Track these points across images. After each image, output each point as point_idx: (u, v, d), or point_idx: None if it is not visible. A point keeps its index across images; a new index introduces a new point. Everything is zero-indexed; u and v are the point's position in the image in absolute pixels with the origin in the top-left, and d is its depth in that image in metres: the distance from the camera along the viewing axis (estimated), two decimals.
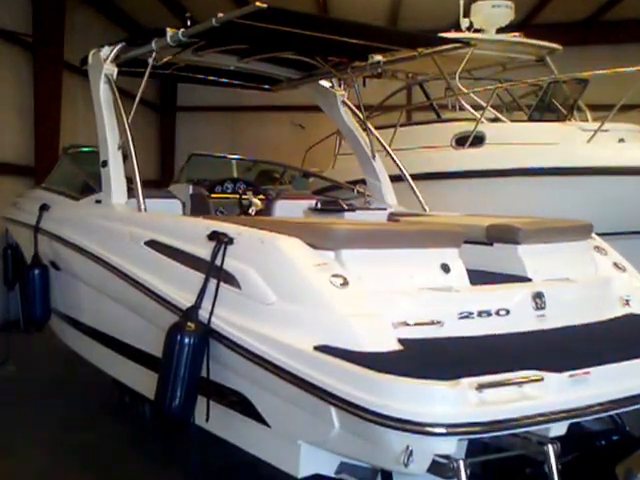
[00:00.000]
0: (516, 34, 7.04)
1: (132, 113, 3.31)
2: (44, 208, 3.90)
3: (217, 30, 2.93)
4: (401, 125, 6.79)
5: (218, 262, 2.42)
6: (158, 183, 10.43)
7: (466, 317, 2.26)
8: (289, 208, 3.94)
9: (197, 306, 2.43)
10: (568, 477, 2.04)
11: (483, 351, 2.13)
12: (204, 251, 2.49)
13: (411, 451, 1.84)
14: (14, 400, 4.14)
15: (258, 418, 2.37)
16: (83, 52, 3.73)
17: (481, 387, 1.85)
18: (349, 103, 4.29)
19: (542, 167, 5.57)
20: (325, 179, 5.83)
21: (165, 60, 3.62)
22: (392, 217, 3.79)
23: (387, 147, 4.30)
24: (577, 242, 2.92)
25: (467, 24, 7.12)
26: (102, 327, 3.39)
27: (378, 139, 4.27)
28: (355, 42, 3.38)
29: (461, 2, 7.15)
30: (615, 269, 2.92)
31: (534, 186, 5.60)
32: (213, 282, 2.41)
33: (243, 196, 3.84)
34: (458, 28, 7.12)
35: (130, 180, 3.27)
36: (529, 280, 2.67)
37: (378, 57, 3.70)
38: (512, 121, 6.48)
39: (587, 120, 6.57)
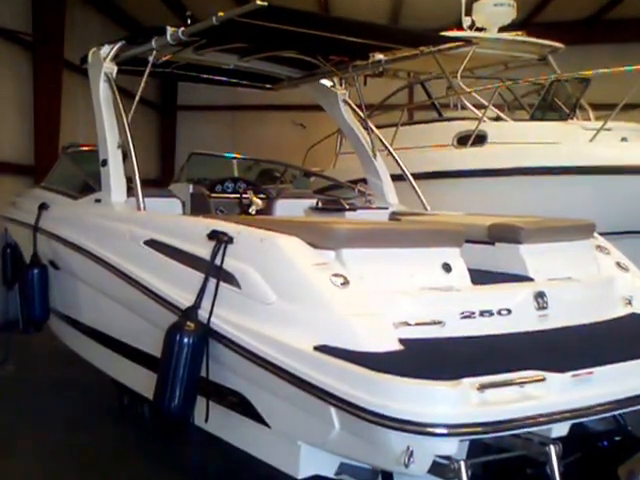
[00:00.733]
0: (518, 33, 7.02)
1: (132, 112, 3.30)
2: (43, 207, 3.89)
3: (217, 29, 2.92)
4: (402, 124, 6.78)
5: (218, 261, 2.41)
6: (158, 182, 10.44)
7: (468, 317, 2.25)
8: (290, 207, 3.93)
9: (196, 306, 2.42)
10: (570, 478, 2.03)
11: (485, 351, 2.12)
12: (204, 250, 2.48)
13: (412, 452, 1.83)
14: (13, 400, 4.13)
15: (258, 418, 2.35)
16: (83, 51, 3.73)
17: (483, 387, 1.83)
18: (350, 102, 4.28)
19: (544, 166, 5.55)
20: (326, 178, 5.82)
21: (165, 59, 3.62)
22: (393, 216, 3.78)
23: (388, 146, 4.29)
24: (579, 241, 2.90)
25: (469, 23, 7.10)
26: (101, 327, 3.38)
27: (379, 138, 4.25)
28: (356, 41, 3.36)
29: (463, 0, 7.13)
30: (617, 269, 2.91)
31: (536, 185, 5.59)
32: (213, 282, 2.40)
33: (243, 195, 3.83)
34: (460, 27, 7.11)
35: (130, 179, 3.26)
36: (531, 280, 2.65)
37: (379, 56, 3.68)
38: (514, 120, 6.46)
39: (589, 119, 6.55)
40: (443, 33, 5.12)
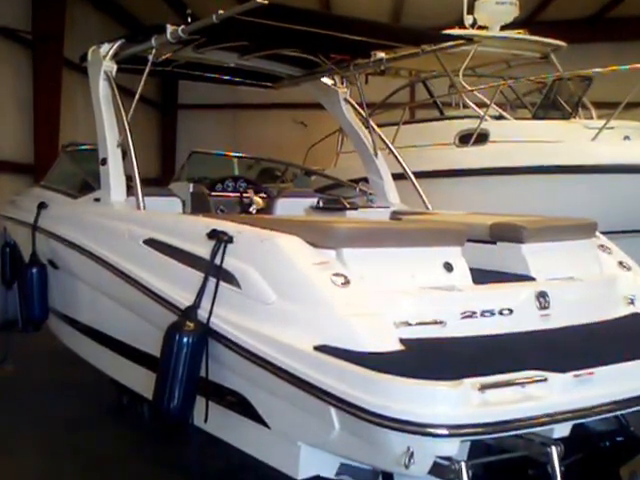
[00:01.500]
0: (520, 31, 7.00)
1: (132, 110, 3.29)
2: (42, 206, 3.88)
3: (218, 27, 2.91)
4: (404, 123, 6.77)
5: (218, 261, 2.39)
6: (159, 181, 10.45)
7: (469, 317, 2.23)
8: (290, 206, 3.91)
9: (196, 305, 2.40)
10: (571, 479, 2.01)
11: (486, 351, 2.11)
12: (203, 250, 2.47)
13: (412, 452, 1.82)
14: (12, 400, 4.12)
15: (257, 419, 2.34)
16: (83, 49, 3.71)
17: (484, 387, 1.82)
18: (351, 101, 4.26)
19: (546, 165, 5.54)
20: (327, 177, 5.81)
21: (165, 57, 3.60)
22: (395, 215, 3.76)
23: (390, 145, 4.27)
24: (581, 241, 2.89)
25: (471, 21, 7.08)
26: (100, 326, 3.37)
27: (381, 137, 4.24)
28: (357, 39, 3.34)
29: None
30: (620, 268, 2.89)
31: (538, 184, 5.57)
32: (212, 281, 2.39)
33: (244, 194, 3.82)
34: (462, 25, 7.09)
35: (129, 178, 3.24)
36: (533, 279, 2.64)
37: (381, 54, 3.67)
38: (516, 119, 6.44)
39: (592, 118, 6.53)
40: (445, 31, 5.10)
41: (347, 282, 2.17)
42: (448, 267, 2.39)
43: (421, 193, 3.98)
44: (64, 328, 3.90)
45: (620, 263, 2.92)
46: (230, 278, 2.36)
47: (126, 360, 3.11)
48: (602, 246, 2.97)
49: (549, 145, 5.68)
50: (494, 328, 2.25)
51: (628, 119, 5.90)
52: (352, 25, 3.31)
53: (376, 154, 4.14)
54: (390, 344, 2.02)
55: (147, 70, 3.31)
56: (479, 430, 1.83)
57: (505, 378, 1.87)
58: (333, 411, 1.99)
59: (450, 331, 2.17)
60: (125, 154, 3.30)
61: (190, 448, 2.56)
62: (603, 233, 3.08)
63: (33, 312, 3.79)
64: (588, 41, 10.67)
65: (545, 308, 2.38)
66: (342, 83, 4.32)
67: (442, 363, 1.97)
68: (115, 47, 3.47)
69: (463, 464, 1.87)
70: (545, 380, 1.90)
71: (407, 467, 1.82)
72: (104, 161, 3.33)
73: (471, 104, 6.51)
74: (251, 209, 3.75)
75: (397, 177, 4.18)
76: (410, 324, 2.13)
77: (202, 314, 2.39)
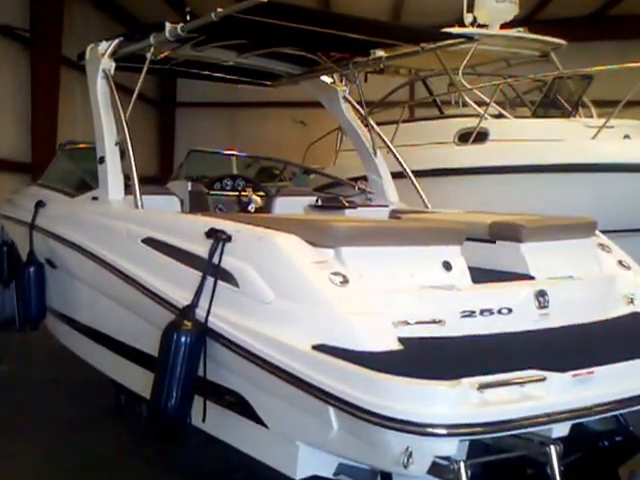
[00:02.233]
0: (520, 29, 6.98)
1: (130, 109, 3.28)
2: (40, 205, 3.86)
3: (216, 25, 2.90)
4: (403, 121, 6.75)
5: (216, 260, 2.39)
6: (157, 180, 10.44)
7: (468, 316, 2.23)
8: (289, 205, 3.90)
9: (194, 304, 2.40)
10: (571, 478, 2.00)
11: (485, 350, 2.10)
12: (202, 249, 2.46)
13: (411, 452, 1.81)
14: (8, 400, 4.10)
15: (255, 418, 2.33)
16: (81, 47, 3.70)
17: (482, 387, 1.81)
18: (351, 99, 4.25)
19: (546, 164, 5.53)
20: (326, 176, 5.80)
21: (164, 55, 3.58)
22: (394, 214, 3.75)
23: (389, 143, 4.26)
24: (581, 240, 2.88)
25: (471, 19, 7.07)
26: (98, 326, 3.36)
27: (380, 135, 4.22)
28: (357, 37, 3.33)
29: None
30: (619, 267, 2.88)
31: (538, 183, 5.56)
32: (210, 280, 2.38)
33: (242, 193, 3.81)
34: (462, 23, 7.07)
35: (127, 177, 3.23)
36: (532, 278, 2.63)
37: (380, 52, 3.66)
38: (516, 117, 6.43)
39: (592, 116, 6.52)
40: (444, 30, 5.09)
41: (346, 281, 2.16)
42: (447, 266, 2.38)
43: (420, 192, 3.97)
44: (62, 327, 3.89)
45: (620, 262, 2.91)
46: (228, 277, 2.35)
47: (124, 359, 3.11)
48: (602, 245, 2.96)
49: (549, 144, 5.67)
50: (493, 327, 2.25)
51: (628, 118, 5.89)
52: (351, 23, 3.30)
53: (375, 153, 4.13)
54: (389, 343, 2.01)
55: (145, 68, 3.30)
56: (478, 430, 1.82)
57: (504, 378, 1.86)
58: (331, 411, 1.99)
59: (449, 330, 2.17)
60: (123, 153, 3.28)
61: (187, 448, 2.55)
62: (603, 232, 3.07)
63: (30, 311, 3.77)
64: (589, 39, 10.64)
65: (544, 307, 2.37)
66: (341, 81, 4.31)
67: (441, 362, 1.96)
68: (113, 45, 3.45)
69: (462, 464, 1.86)
70: (544, 380, 1.89)
71: (406, 467, 1.82)
72: (102, 159, 3.32)
73: (471, 102, 6.49)
74: (250, 208, 3.74)
75: (396, 176, 4.17)
76: (409, 323, 2.12)
77: (200, 313, 2.38)
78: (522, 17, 7.92)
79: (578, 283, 2.63)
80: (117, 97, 3.34)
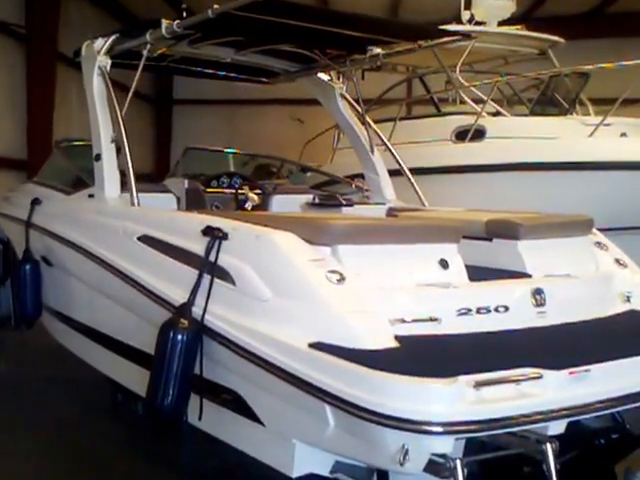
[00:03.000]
0: (518, 27, 6.98)
1: (126, 106, 3.27)
2: (36, 202, 3.85)
3: (213, 22, 2.89)
4: (400, 119, 6.74)
5: (212, 258, 2.38)
6: (153, 177, 10.41)
7: (464, 314, 2.23)
8: (286, 203, 3.89)
9: (190, 302, 2.39)
10: (567, 476, 2.01)
11: (481, 348, 2.10)
12: (198, 246, 2.45)
13: (407, 450, 1.81)
14: (4, 399, 4.09)
15: (252, 416, 2.33)
16: (78, 44, 3.68)
17: (479, 385, 1.81)
18: (348, 96, 4.24)
19: (543, 162, 5.53)
20: (323, 173, 5.78)
21: (160, 52, 3.57)
22: (391, 212, 3.75)
23: (386, 141, 4.25)
24: (577, 238, 2.88)
25: (468, 16, 7.07)
26: (94, 324, 3.35)
27: (377, 133, 4.22)
28: (354, 34, 3.33)
29: None
30: (616, 265, 2.88)
31: (535, 181, 5.56)
32: (207, 278, 2.38)
33: (239, 191, 3.79)
34: (459, 20, 7.07)
35: (124, 174, 3.22)
36: (529, 276, 2.63)
37: (377, 50, 3.65)
38: (513, 115, 6.43)
39: (589, 114, 6.52)
40: (442, 27, 5.08)
41: (342, 279, 2.16)
42: (444, 264, 2.38)
43: (417, 189, 3.96)
44: (58, 325, 3.88)
45: (616, 260, 2.91)
46: (225, 275, 2.35)
47: (120, 358, 3.10)
48: (598, 243, 2.96)
49: (546, 142, 5.67)
50: (490, 325, 2.25)
51: (625, 115, 5.90)
52: (348, 20, 3.29)
53: (372, 150, 4.12)
54: (385, 341, 2.01)
55: (142, 65, 3.29)
56: (474, 427, 1.82)
57: (500, 375, 1.87)
58: (328, 408, 1.99)
59: (446, 328, 2.17)
60: (119, 150, 3.27)
61: (184, 446, 2.55)
62: (600, 230, 3.08)
63: (26, 309, 3.76)
64: (586, 37, 10.63)
65: (541, 305, 2.37)
66: (338, 79, 4.29)
67: (437, 360, 1.96)
68: (109, 42, 3.44)
69: (458, 461, 1.87)
70: (540, 377, 1.90)
71: (402, 464, 1.82)
72: (98, 157, 3.30)
73: (468, 100, 6.49)
74: (246, 205, 3.72)
75: (393, 173, 4.17)
76: (405, 321, 2.12)
77: (196, 311, 2.38)
78: (520, 14, 7.91)
79: (575, 281, 2.63)
80: (113, 94, 3.33)
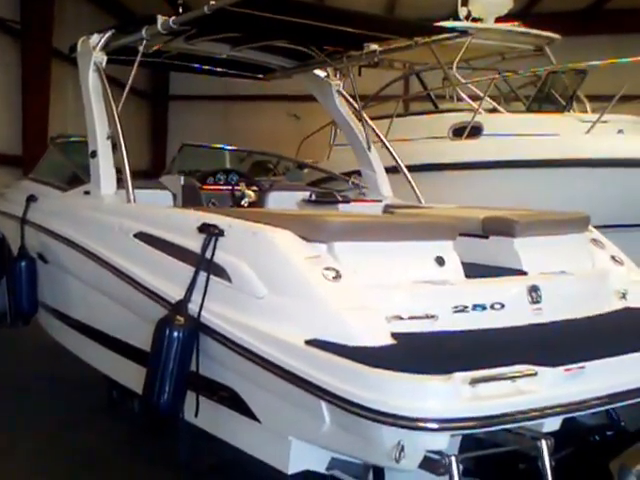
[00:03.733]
0: (514, 23, 6.98)
1: (122, 102, 3.25)
2: (31, 199, 3.83)
3: (209, 18, 2.88)
4: (397, 116, 6.74)
5: (208, 255, 2.38)
6: (150, 174, 10.38)
7: (461, 311, 2.23)
8: (283, 200, 3.89)
9: (187, 299, 2.39)
10: (562, 473, 2.01)
11: (477, 345, 2.10)
12: (194, 243, 2.45)
13: (402, 447, 1.81)
14: (1, 396, 4.08)
15: (248, 413, 2.33)
16: (73, 39, 3.66)
17: (474, 382, 1.82)
18: (344, 93, 4.23)
19: (540, 159, 5.54)
20: (320, 170, 5.78)
21: (156, 48, 3.55)
22: (387, 209, 3.75)
23: (383, 138, 4.24)
24: (574, 235, 2.88)
25: (465, 13, 7.06)
26: (90, 321, 3.34)
27: (374, 130, 4.21)
28: (350, 31, 3.31)
29: None
30: (612, 262, 2.89)
31: (531, 178, 5.57)
32: (203, 275, 2.37)
33: (236, 187, 3.79)
34: (456, 17, 7.06)
35: (120, 171, 3.21)
36: (525, 273, 2.64)
37: (374, 46, 3.64)
38: (510, 112, 6.43)
39: (586, 111, 6.54)
40: (439, 23, 5.07)
41: (338, 276, 2.16)
42: (440, 261, 2.38)
43: (414, 187, 3.96)
44: (54, 322, 3.87)
45: (612, 257, 2.92)
46: (221, 272, 2.35)
47: (116, 355, 3.09)
48: (595, 240, 2.97)
49: (543, 138, 5.68)
50: (486, 322, 2.25)
51: (622, 112, 5.90)
52: (345, 17, 3.27)
53: (369, 147, 4.11)
54: (381, 338, 2.01)
55: (137, 61, 3.27)
56: (469, 424, 1.83)
57: (495, 372, 1.87)
58: (324, 405, 1.99)
59: (442, 325, 2.17)
60: (115, 146, 3.26)
61: (182, 443, 2.55)
62: (596, 227, 3.08)
63: (22, 306, 3.75)
64: (584, 34, 10.63)
65: (537, 302, 2.37)
66: (335, 75, 4.28)
67: (433, 357, 1.96)
68: (105, 38, 3.42)
69: (453, 458, 1.87)
70: (535, 374, 1.90)
71: (397, 461, 1.82)
72: (94, 153, 3.29)
73: (465, 97, 6.49)
74: (243, 202, 3.72)
75: (390, 170, 4.16)
76: (402, 318, 2.12)
77: (193, 308, 2.37)
78: (517, 11, 7.91)
79: (571, 278, 2.63)
80: (109, 90, 3.31)
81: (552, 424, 1.97)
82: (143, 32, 3.20)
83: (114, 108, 3.23)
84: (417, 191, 3.94)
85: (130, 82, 3.28)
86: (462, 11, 7.06)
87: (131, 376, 2.91)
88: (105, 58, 3.41)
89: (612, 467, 2.26)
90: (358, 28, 3.33)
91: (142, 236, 2.76)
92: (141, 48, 3.26)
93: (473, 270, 2.47)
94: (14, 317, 3.89)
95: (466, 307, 2.23)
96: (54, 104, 7.72)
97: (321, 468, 2.21)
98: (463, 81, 6.52)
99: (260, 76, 4.48)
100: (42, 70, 7.35)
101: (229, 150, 5.45)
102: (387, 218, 3.08)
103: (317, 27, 3.18)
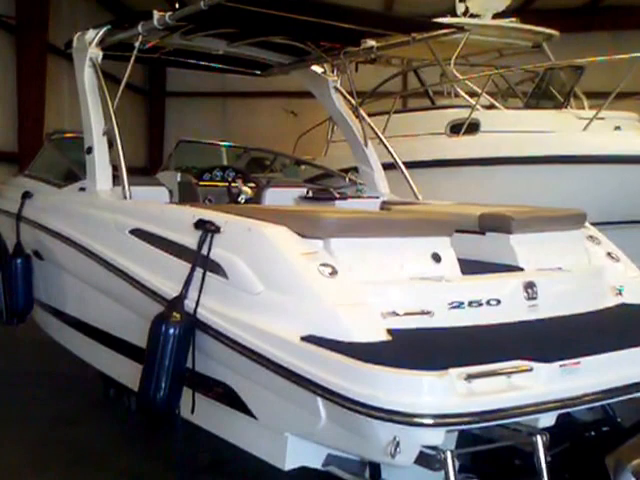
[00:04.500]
0: (512, 20, 6.96)
1: (118, 98, 3.24)
2: (27, 196, 3.82)
3: (206, 13, 2.86)
4: (395, 112, 6.72)
5: (204, 251, 2.37)
6: (146, 170, 10.36)
7: (457, 307, 2.23)
8: (279, 196, 3.88)
9: (183, 296, 2.39)
10: (557, 468, 2.02)
11: (473, 341, 2.11)
12: (190, 240, 2.45)
13: (398, 442, 1.82)
14: None
15: (244, 410, 2.34)
16: (68, 35, 3.64)
17: (469, 377, 1.82)
18: (341, 89, 4.21)
19: (537, 155, 5.54)
20: (317, 167, 5.76)
21: (152, 44, 3.54)
22: (384, 206, 3.74)
23: (380, 134, 4.23)
24: (570, 231, 2.89)
25: (463, 9, 7.04)
26: (86, 318, 3.34)
27: (371, 126, 4.20)
28: (348, 27, 3.31)
29: None
30: (608, 259, 2.89)
31: (529, 174, 5.57)
32: (199, 271, 2.37)
33: (232, 184, 3.78)
34: (454, 13, 7.04)
35: (115, 167, 3.20)
36: (521, 270, 2.64)
37: (371, 42, 3.63)
38: (508, 108, 6.42)
39: (583, 108, 6.53)
40: (436, 19, 5.06)
41: (334, 272, 2.16)
42: (436, 257, 2.38)
43: (411, 183, 3.96)
44: (49, 320, 3.86)
45: (609, 254, 2.92)
46: (217, 268, 2.34)
47: (112, 352, 3.09)
48: (591, 237, 2.97)
49: (540, 135, 5.67)
50: (482, 318, 2.25)
51: (620, 109, 5.91)
52: (342, 13, 3.26)
53: (366, 144, 4.11)
54: (377, 334, 2.02)
55: (133, 57, 3.26)
56: (465, 420, 1.83)
57: (491, 368, 1.87)
58: (320, 401, 1.99)
59: (438, 321, 2.17)
60: (111, 143, 3.24)
61: (176, 440, 2.55)
62: (593, 224, 3.08)
63: (17, 303, 3.74)
64: (582, 30, 10.63)
65: (533, 299, 2.38)
66: (332, 71, 4.27)
67: (429, 353, 1.97)
68: (101, 34, 3.40)
69: (449, 453, 1.88)
70: (531, 370, 1.90)
71: (393, 457, 1.83)
72: (90, 150, 3.28)
73: (462, 93, 6.48)
74: (240, 199, 3.71)
75: (387, 167, 4.16)
76: (398, 314, 2.13)
77: (189, 305, 2.37)
78: (515, 7, 7.90)
79: (567, 275, 2.64)
80: (105, 86, 3.30)
81: (547, 420, 1.98)
82: (139, 28, 3.18)
83: (110, 104, 3.22)
84: (414, 187, 3.94)
85: (126, 78, 3.26)
86: (460, 7, 7.04)
87: (127, 373, 2.91)
88: (101, 54, 3.39)
89: (608, 462, 2.27)
90: (355, 24, 3.32)
91: (138, 232, 2.76)
92: (137, 44, 3.24)
93: (469, 266, 2.48)
94: (10, 314, 3.88)
95: (462, 303, 2.24)
96: (49, 100, 7.69)
97: (317, 464, 2.22)
98: (461, 77, 6.50)
99: (257, 72, 4.47)
100: (38, 66, 7.31)
101: (226, 147, 5.44)
102: (383, 214, 3.08)
103: (314, 23, 3.17)
